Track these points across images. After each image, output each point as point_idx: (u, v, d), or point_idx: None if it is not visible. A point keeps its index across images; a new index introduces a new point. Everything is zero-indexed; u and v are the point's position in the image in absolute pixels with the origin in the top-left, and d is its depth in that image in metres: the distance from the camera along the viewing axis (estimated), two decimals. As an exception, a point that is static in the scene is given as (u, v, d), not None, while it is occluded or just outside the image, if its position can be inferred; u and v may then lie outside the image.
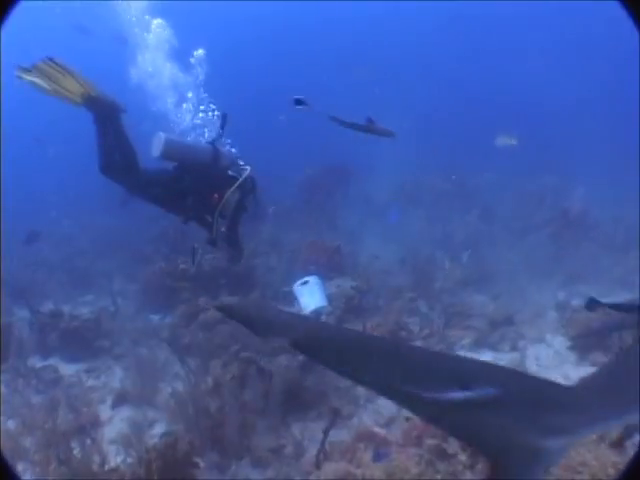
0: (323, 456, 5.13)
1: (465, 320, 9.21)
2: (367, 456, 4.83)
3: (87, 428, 6.86)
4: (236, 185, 6.76)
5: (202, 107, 7.33)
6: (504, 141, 14.72)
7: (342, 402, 6.94)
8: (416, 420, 5.64)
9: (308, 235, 14.08)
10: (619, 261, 11.55)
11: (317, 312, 8.95)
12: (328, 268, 11.44)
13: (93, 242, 16.44)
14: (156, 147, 6.38)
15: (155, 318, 10.77)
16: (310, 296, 8.59)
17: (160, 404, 7.45)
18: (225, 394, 6.37)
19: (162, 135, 6.32)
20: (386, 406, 6.87)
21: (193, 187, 6.67)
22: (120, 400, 7.82)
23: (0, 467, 3.34)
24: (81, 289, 13.45)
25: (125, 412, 7.56)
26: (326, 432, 5.16)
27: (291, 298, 10.34)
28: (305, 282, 8.75)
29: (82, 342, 9.51)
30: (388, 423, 6.46)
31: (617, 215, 13.95)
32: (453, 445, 4.81)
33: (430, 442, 4.88)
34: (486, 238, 14.04)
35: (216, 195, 6.72)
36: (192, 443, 5.03)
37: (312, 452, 5.81)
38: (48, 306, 10.80)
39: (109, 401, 7.89)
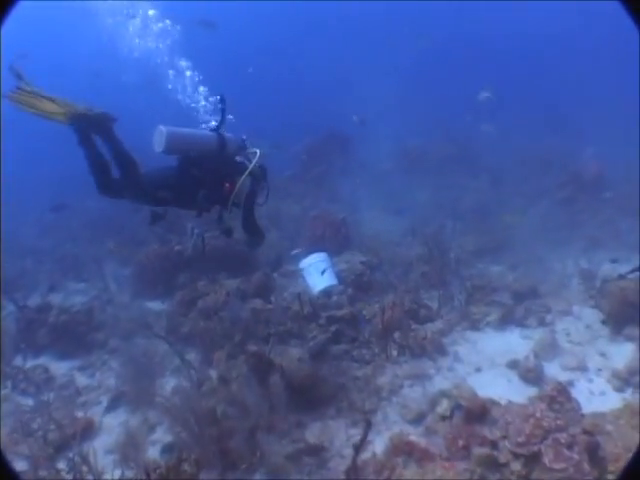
0: (354, 473, 4.38)
1: (488, 295, 8.48)
2: (407, 473, 4.10)
3: (81, 437, 6.22)
4: (247, 172, 6.27)
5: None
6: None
7: (363, 395, 6.24)
8: (455, 418, 4.97)
9: (309, 207, 13.36)
10: (637, 225, 10.76)
11: (327, 292, 8.30)
12: (335, 242, 10.73)
13: (84, 226, 15.67)
14: (158, 142, 5.82)
15: (151, 305, 10.03)
16: (318, 275, 7.98)
17: (160, 405, 6.74)
18: (231, 394, 5.64)
19: (163, 129, 5.73)
20: (413, 398, 6.18)
21: (202, 180, 6.14)
22: (116, 401, 7.14)
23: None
24: (73, 277, 12.68)
25: (122, 415, 6.89)
26: (358, 448, 4.38)
27: (297, 277, 9.71)
28: (312, 259, 8.12)
29: (74, 337, 8.81)
30: (418, 419, 5.77)
31: (630, 176, 13.10)
32: (504, 452, 4.13)
33: (479, 451, 4.19)
34: (496, 204, 13.33)
35: (227, 184, 6.25)
36: (198, 462, 4.31)
37: (335, 458, 5.18)
38: (38, 297, 10.14)
39: (105, 402, 7.20)
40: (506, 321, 7.96)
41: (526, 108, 20.87)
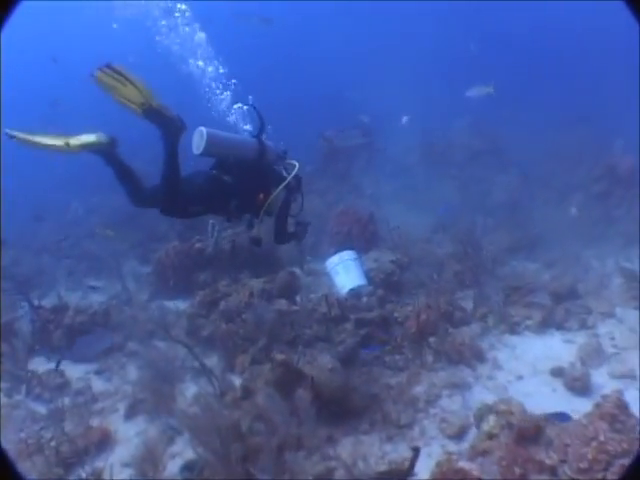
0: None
1: (526, 296, 7.97)
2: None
3: (96, 449, 5.86)
4: (284, 185, 6.13)
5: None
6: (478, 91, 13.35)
7: (398, 407, 5.78)
8: (503, 437, 4.51)
9: (332, 202, 12.93)
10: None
11: (356, 293, 7.89)
12: (362, 240, 10.29)
13: (104, 223, 15.32)
14: (197, 144, 5.60)
15: (171, 305, 9.64)
16: (346, 274, 7.59)
17: (180, 413, 6.34)
18: (257, 407, 5.21)
19: (204, 130, 5.51)
20: (453, 411, 5.72)
21: (235, 189, 5.93)
22: (134, 409, 6.72)
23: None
24: (92, 275, 12.33)
25: (140, 424, 6.47)
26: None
27: (322, 275, 9.31)
28: (339, 258, 7.71)
29: (91, 339, 8.44)
30: (459, 434, 5.30)
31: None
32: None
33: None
34: (528, 198, 12.87)
35: (261, 195, 6.08)
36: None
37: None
38: (55, 296, 9.83)
39: (122, 410, 6.78)
40: (546, 324, 7.48)
41: (552, 100, 20.37)
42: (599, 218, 11.33)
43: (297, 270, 9.74)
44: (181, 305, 9.47)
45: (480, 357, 6.72)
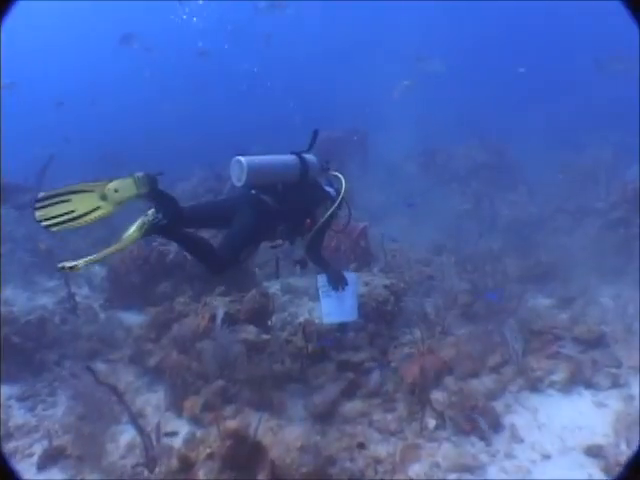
0: None
1: (550, 343, 6.53)
2: None
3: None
4: (330, 211, 5.81)
5: None
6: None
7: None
8: None
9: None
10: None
11: (341, 326, 6.53)
12: (352, 257, 8.90)
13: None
14: (237, 175, 5.30)
15: (124, 317, 8.30)
16: (339, 302, 6.23)
17: (108, 468, 4.93)
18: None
19: (242, 161, 5.19)
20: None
21: (282, 213, 5.54)
22: (51, 457, 5.26)
23: None
24: (46, 273, 10.87)
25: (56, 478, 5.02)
26: None
27: (301, 294, 8.01)
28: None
29: (19, 356, 6.96)
30: None
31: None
32: None
33: None
34: (537, 222, 11.61)
35: (308, 220, 5.73)
36: None
37: None
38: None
39: (37, 455, 5.31)
40: (573, 381, 6.03)
41: (563, 114, 19.46)
42: (617, 248, 9.99)
43: (273, 288, 8.40)
44: (136, 318, 8.15)
45: (495, 424, 5.23)
